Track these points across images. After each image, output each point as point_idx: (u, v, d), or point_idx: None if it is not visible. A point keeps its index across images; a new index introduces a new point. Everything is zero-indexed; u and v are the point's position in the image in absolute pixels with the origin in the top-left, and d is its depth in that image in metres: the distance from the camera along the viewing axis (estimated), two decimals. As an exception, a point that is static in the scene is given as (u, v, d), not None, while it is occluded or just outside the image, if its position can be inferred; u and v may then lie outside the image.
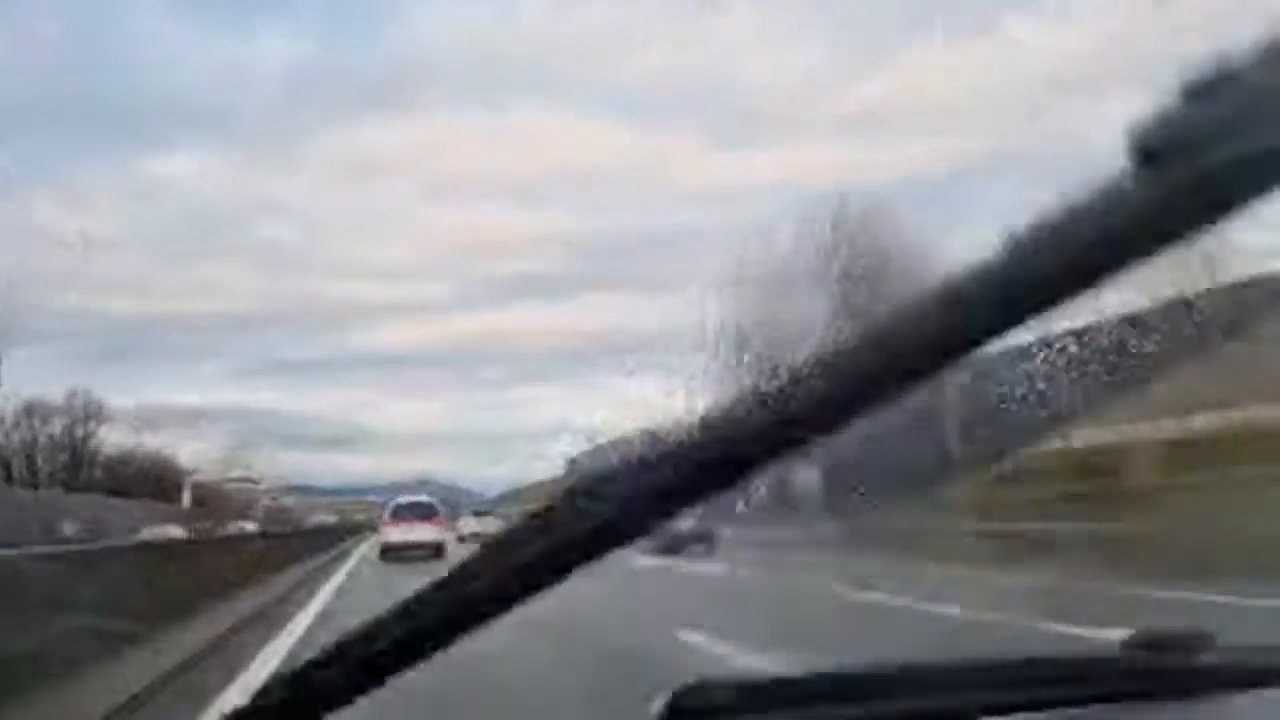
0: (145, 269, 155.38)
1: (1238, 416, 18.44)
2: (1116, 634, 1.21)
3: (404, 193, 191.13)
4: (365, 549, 31.98)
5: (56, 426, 55.55)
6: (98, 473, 56.59)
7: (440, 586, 0.60)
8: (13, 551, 8.02)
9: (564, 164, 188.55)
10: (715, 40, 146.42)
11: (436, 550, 24.68)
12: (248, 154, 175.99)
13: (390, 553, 24.83)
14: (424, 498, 30.12)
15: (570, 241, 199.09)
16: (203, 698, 5.77)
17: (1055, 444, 21.09)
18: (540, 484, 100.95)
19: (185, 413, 75.37)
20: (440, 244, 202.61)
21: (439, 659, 0.60)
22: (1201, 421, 19.33)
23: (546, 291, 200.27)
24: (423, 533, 25.59)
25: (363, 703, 0.62)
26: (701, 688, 1.01)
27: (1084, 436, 21.19)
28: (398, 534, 25.78)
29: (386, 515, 27.75)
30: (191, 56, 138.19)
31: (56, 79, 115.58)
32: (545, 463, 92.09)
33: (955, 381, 14.25)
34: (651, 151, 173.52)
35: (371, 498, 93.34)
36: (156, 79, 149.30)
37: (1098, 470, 19.10)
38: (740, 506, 22.96)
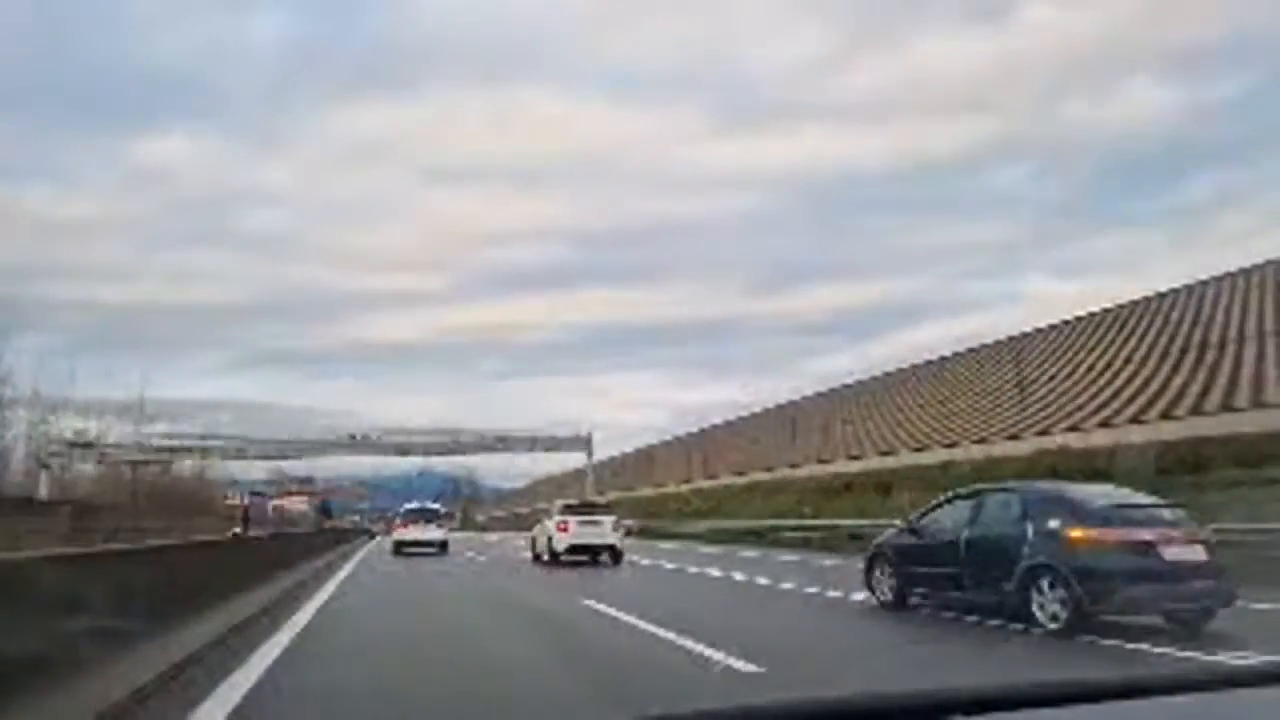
0: (136, 256, 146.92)
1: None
2: None
3: (401, 178, 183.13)
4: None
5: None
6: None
7: None
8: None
9: (564, 148, 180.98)
10: (719, 22, 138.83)
11: (441, 547, 29.19)
12: (241, 138, 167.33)
13: (402, 549, 28.86)
14: (431, 504, 34.95)
15: (570, 231, 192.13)
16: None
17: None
18: (553, 477, 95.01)
19: (178, 405, 67.85)
20: (439, 232, 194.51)
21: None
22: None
23: (547, 283, 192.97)
24: (429, 533, 29.75)
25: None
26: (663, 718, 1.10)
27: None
28: (408, 534, 29.84)
29: (398, 519, 32.18)
30: (182, 37, 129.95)
31: (43, 61, 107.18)
32: (551, 456, 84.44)
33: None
34: (653, 136, 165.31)
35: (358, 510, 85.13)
36: (147, 60, 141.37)
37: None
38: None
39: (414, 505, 33.37)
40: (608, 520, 23.01)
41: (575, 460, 69.76)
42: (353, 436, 56.24)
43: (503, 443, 64.61)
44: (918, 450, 38.45)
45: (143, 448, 40.19)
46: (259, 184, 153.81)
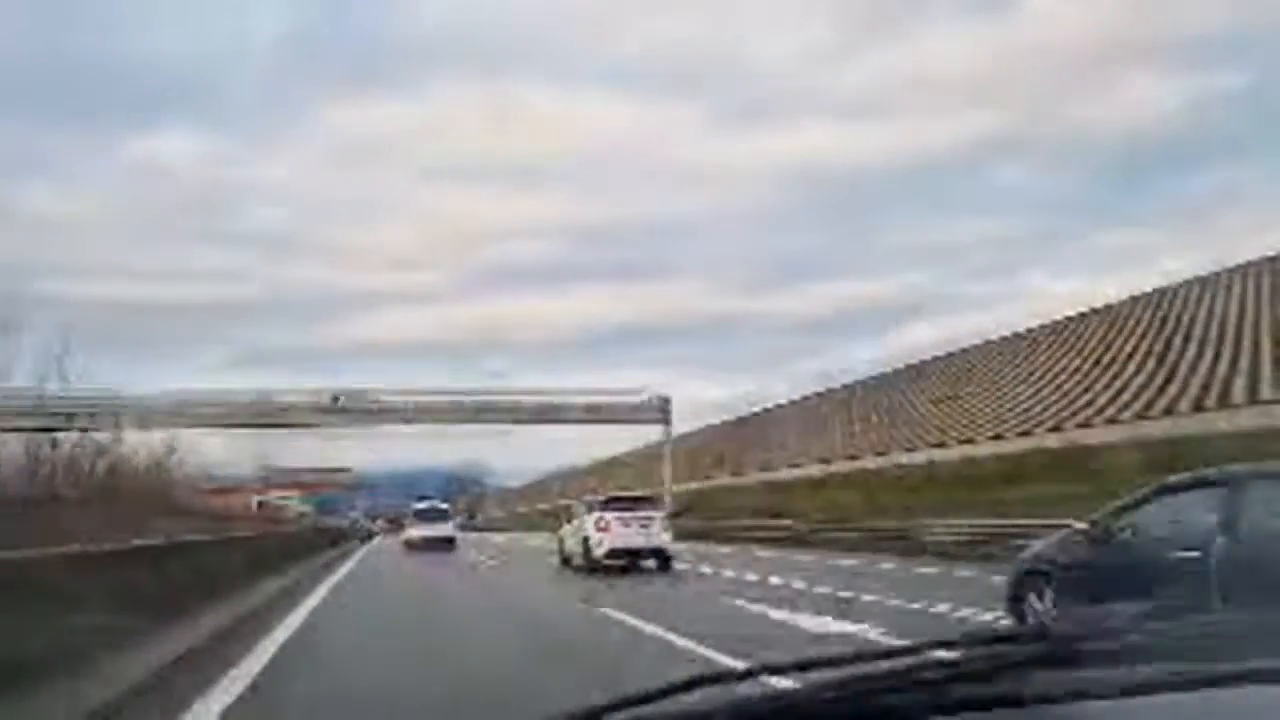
0: (134, 254, 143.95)
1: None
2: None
3: (400, 176, 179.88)
4: None
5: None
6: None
7: None
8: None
9: (564, 145, 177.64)
10: (719, 16, 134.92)
11: (449, 543, 31.31)
12: (240, 135, 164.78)
13: (413, 545, 31.19)
14: (439, 503, 37.10)
15: (571, 228, 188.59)
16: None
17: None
18: (559, 472, 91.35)
19: (180, 403, 64.00)
20: (438, 230, 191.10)
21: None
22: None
23: (547, 280, 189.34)
24: (438, 530, 31.95)
25: None
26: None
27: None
28: (419, 531, 32.08)
29: (410, 517, 34.68)
30: (181, 34, 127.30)
31: (41, 58, 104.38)
32: (553, 452, 79.30)
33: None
34: (653, 132, 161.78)
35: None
36: (145, 57, 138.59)
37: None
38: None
39: (424, 505, 35.57)
40: (658, 517, 19.26)
41: (630, 436, 54.39)
42: (336, 399, 41.89)
43: (550, 411, 44.84)
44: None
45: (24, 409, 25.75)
46: (258, 182, 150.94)
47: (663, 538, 18.78)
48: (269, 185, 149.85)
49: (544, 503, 78.09)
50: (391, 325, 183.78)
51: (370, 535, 56.68)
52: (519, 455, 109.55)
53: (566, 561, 20.23)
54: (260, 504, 54.03)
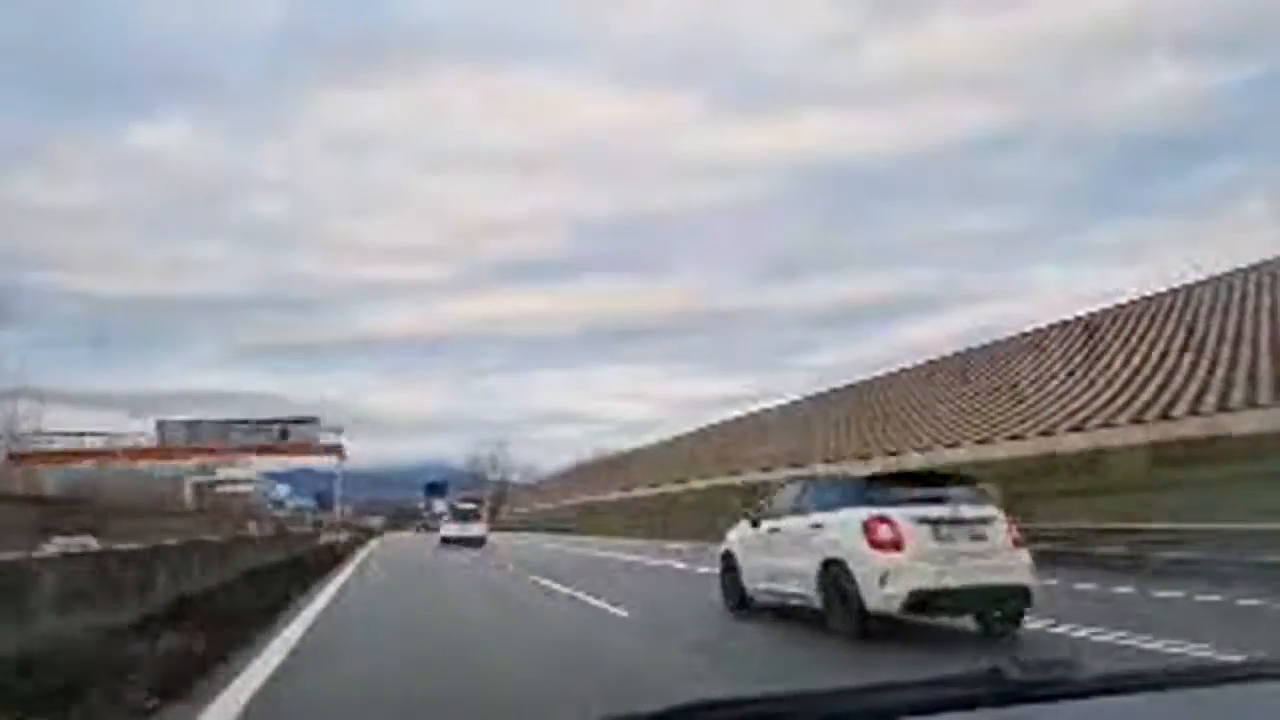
0: (131, 247, 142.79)
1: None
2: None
3: (400, 166, 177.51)
4: None
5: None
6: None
7: None
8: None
9: (565, 134, 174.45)
10: (720, 5, 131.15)
11: (480, 541, 34.89)
12: (239, 125, 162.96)
13: (448, 542, 34.98)
14: (471, 505, 42.58)
15: (571, 220, 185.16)
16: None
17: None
18: (573, 469, 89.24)
19: (177, 398, 61.59)
20: (438, 221, 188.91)
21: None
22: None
23: (546, 274, 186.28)
24: (471, 529, 36.03)
25: None
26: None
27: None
28: (453, 530, 36.42)
29: (446, 517, 40.38)
30: (179, 22, 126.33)
31: (36, 46, 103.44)
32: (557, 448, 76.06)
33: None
34: (654, 121, 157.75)
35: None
36: (142, 45, 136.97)
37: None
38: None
39: (458, 505, 42.63)
40: (999, 518, 9.00)
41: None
42: None
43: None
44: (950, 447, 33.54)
45: None
46: (257, 172, 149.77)
47: (1014, 562, 8.79)
48: (268, 176, 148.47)
49: (559, 501, 74.97)
50: (391, 318, 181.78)
51: (369, 533, 46.15)
52: (530, 454, 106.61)
53: (744, 602, 10.82)
54: (198, 487, 33.52)
